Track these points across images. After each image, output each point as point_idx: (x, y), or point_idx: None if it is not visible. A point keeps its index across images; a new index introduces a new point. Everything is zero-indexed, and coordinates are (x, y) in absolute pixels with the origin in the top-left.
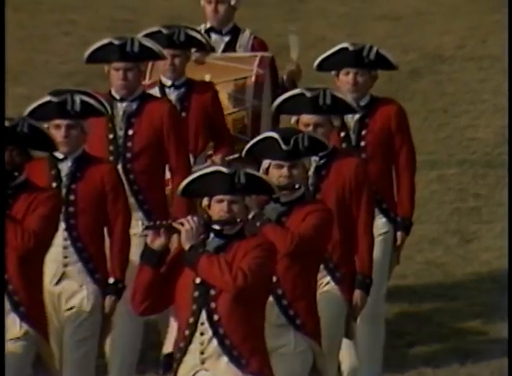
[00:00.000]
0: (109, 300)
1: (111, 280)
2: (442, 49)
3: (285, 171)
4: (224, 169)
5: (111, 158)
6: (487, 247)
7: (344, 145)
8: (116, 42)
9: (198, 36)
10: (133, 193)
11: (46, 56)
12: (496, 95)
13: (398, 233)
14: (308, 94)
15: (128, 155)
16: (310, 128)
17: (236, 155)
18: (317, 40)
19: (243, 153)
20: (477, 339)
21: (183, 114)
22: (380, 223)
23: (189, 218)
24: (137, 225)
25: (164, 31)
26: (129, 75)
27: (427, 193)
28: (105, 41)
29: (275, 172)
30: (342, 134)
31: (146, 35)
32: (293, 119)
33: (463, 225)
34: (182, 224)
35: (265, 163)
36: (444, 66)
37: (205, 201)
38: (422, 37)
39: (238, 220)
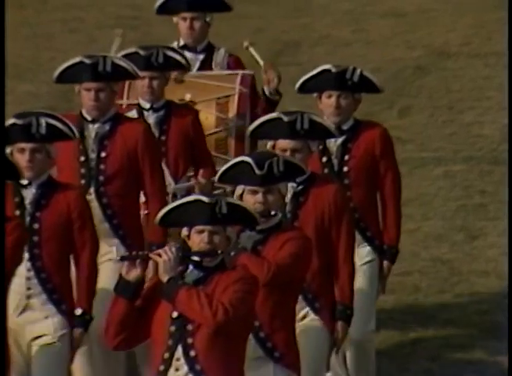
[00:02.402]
0: (76, 332)
1: (78, 312)
2: (448, 46)
3: (260, 197)
4: (204, 198)
5: (83, 181)
6: (493, 244)
7: (325, 170)
8: (87, 61)
9: (177, 56)
10: (107, 218)
11: (52, 54)
12: (502, 92)
13: (385, 262)
14: (285, 118)
15: (101, 178)
16: (287, 154)
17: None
18: (322, 37)
19: (216, 178)
20: (483, 336)
21: (162, 138)
22: (365, 252)
23: (166, 248)
24: (111, 251)
25: (141, 52)
26: (101, 96)
27: (433, 189)
28: (75, 59)
29: (249, 199)
30: (324, 159)
31: (123, 56)
32: (270, 144)
33: (469, 221)
34: (159, 255)
35: (239, 189)
36: (449, 63)
37: (184, 231)
38: (427, 34)
39: (219, 252)
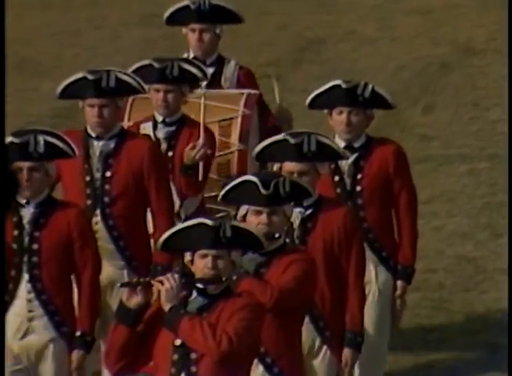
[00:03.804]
0: (76, 354)
1: (78, 333)
2: (473, 42)
3: (264, 217)
4: (208, 221)
5: (89, 202)
6: None
7: (338, 190)
8: (90, 77)
9: (193, 69)
10: (113, 240)
11: (77, 51)
12: None
13: (399, 282)
14: (292, 140)
15: (106, 199)
16: (294, 177)
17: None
18: (347, 33)
19: (220, 197)
20: (508, 333)
21: (170, 154)
22: (379, 273)
23: (169, 275)
24: (121, 274)
25: (156, 65)
26: (105, 112)
27: (458, 187)
28: (78, 75)
29: (253, 219)
30: (336, 178)
31: (137, 69)
32: (276, 166)
33: (494, 219)
34: (161, 282)
35: (243, 209)
36: (475, 60)
37: (188, 256)
38: (453, 31)
39: (224, 279)
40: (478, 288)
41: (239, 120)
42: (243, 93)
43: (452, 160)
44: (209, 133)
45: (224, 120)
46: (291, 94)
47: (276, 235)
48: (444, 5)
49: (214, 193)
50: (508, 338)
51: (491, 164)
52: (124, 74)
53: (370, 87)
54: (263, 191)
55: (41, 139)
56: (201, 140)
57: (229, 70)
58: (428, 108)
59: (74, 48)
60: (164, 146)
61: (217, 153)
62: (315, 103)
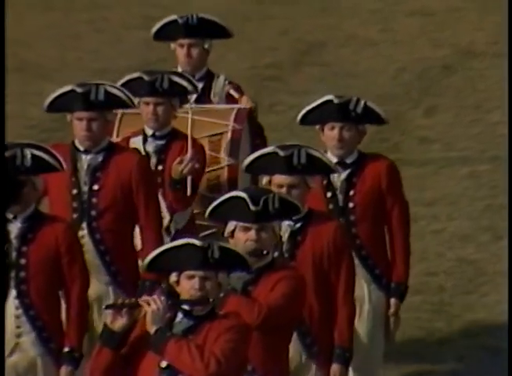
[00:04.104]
0: (64, 370)
1: (66, 349)
2: (474, 45)
3: (252, 234)
4: (196, 242)
5: (75, 216)
6: None
7: (330, 206)
8: (79, 90)
9: (183, 82)
10: (99, 254)
11: (78, 54)
12: None
13: (392, 300)
14: (282, 153)
15: (93, 213)
16: (283, 190)
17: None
18: (349, 37)
19: (206, 213)
20: (508, 336)
21: (159, 167)
22: (372, 291)
23: (155, 297)
24: (107, 290)
25: (146, 78)
26: (93, 126)
27: (459, 189)
28: (67, 88)
29: (241, 236)
30: (328, 194)
31: (127, 82)
32: (265, 179)
33: (495, 221)
34: (147, 303)
35: (231, 225)
36: (476, 62)
37: (173, 277)
38: (454, 33)
39: (210, 300)
40: (479, 291)
41: (229, 135)
42: (233, 108)
43: (453, 163)
44: (198, 147)
45: (214, 135)
46: (293, 96)
47: (265, 252)
48: (445, 8)
49: (204, 210)
50: (508, 340)
51: (492, 166)
52: (114, 87)
53: (363, 102)
54: (252, 207)
55: (28, 152)
56: (189, 154)
57: (218, 85)
58: (429, 111)
59: (76, 51)
60: (153, 159)
61: (207, 169)
62: (306, 119)
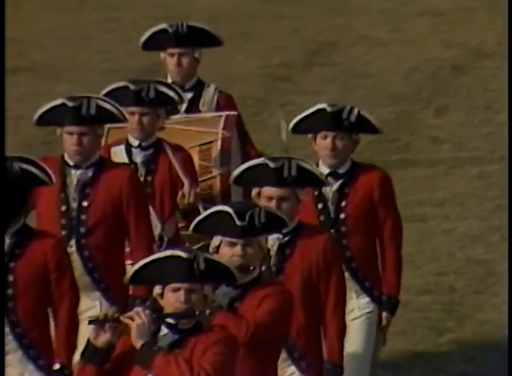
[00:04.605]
0: None
1: (56, 366)
2: (485, 45)
3: (238, 249)
4: (181, 253)
5: (64, 232)
6: None
7: (321, 218)
8: (70, 104)
9: (170, 92)
10: (88, 272)
11: (88, 54)
12: None
13: (384, 314)
14: (272, 164)
15: (82, 229)
16: (273, 202)
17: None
18: (359, 37)
19: (190, 228)
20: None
21: (149, 178)
22: (363, 303)
23: (139, 310)
24: (94, 305)
25: (131, 87)
26: (84, 140)
27: (469, 189)
28: (57, 101)
29: (227, 251)
30: (320, 205)
31: (112, 91)
32: (255, 191)
33: (505, 222)
34: (131, 318)
35: (216, 240)
36: (486, 62)
37: (157, 290)
38: (465, 33)
39: (196, 313)
40: (489, 291)
41: (219, 143)
42: (221, 115)
43: (464, 163)
44: (187, 162)
45: (204, 144)
46: (303, 96)
47: (251, 267)
48: (455, 8)
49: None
50: (508, 340)
51: (502, 166)
52: (105, 101)
53: (356, 111)
54: (238, 222)
55: (16, 166)
56: (186, 186)
57: (208, 94)
58: (440, 111)
59: (86, 52)
60: (142, 170)
61: (199, 179)
62: (298, 128)
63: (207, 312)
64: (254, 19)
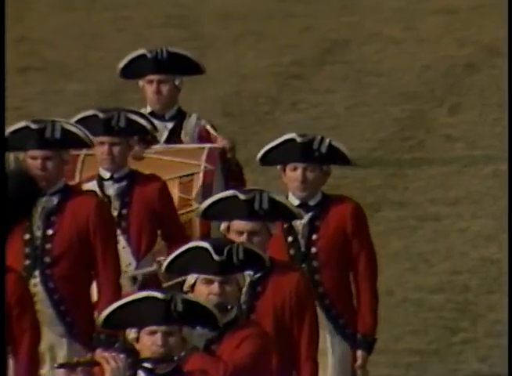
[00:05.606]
0: None
1: None
2: (499, 43)
3: (216, 287)
4: (158, 294)
5: (27, 262)
6: None
7: (291, 252)
8: (33, 126)
9: (141, 121)
10: (53, 304)
11: (101, 53)
12: None
13: (359, 352)
14: (242, 196)
15: (47, 259)
16: (243, 237)
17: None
18: (372, 35)
19: (163, 267)
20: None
21: (124, 212)
22: (336, 342)
23: (114, 354)
24: (61, 342)
25: (101, 115)
26: (49, 165)
27: (483, 188)
28: (20, 124)
29: (203, 289)
30: (289, 239)
31: (80, 120)
32: (223, 225)
33: None
34: (106, 361)
35: (191, 278)
36: (500, 60)
37: (132, 334)
38: (478, 31)
39: (175, 358)
40: (503, 290)
41: (200, 175)
42: (204, 147)
43: (477, 162)
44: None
45: (185, 176)
46: (315, 95)
47: (229, 306)
48: (469, 6)
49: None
50: (509, 340)
51: None
52: (71, 124)
53: (327, 141)
54: (216, 257)
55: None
56: None
57: (190, 124)
58: (453, 109)
59: (98, 51)
60: (116, 203)
61: (178, 212)
62: (266, 159)
63: (182, 353)
64: (266, 18)
